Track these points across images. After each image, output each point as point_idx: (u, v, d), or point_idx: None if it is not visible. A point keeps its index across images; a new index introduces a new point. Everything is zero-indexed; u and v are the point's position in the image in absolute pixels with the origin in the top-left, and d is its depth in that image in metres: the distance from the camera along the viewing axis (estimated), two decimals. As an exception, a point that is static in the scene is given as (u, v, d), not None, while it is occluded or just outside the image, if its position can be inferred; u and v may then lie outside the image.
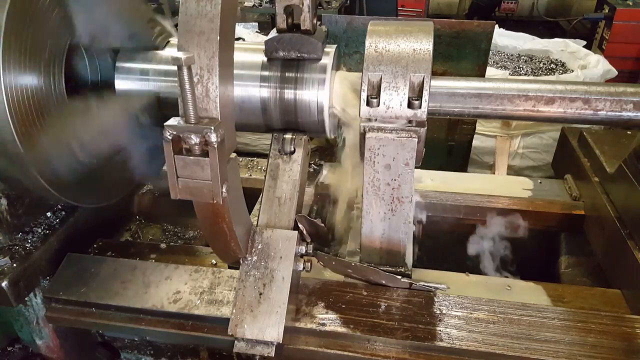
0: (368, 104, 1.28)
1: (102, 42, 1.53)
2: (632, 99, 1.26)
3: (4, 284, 1.42)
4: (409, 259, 1.51)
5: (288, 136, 1.49)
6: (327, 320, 1.40)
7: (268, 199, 1.47)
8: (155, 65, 1.57)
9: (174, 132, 1.02)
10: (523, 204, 1.96)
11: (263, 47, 1.43)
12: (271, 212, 1.45)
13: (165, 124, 1.02)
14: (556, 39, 4.36)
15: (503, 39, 4.47)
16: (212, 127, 1.00)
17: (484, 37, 2.74)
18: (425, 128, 1.29)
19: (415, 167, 1.35)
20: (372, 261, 1.52)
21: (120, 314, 1.53)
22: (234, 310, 1.32)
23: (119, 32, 1.54)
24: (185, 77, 0.97)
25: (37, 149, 1.31)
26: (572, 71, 3.91)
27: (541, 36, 4.52)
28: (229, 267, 1.58)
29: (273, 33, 1.44)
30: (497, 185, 2.09)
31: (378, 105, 1.28)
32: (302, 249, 1.41)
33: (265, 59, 1.45)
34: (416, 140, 1.28)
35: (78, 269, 1.60)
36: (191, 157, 1.04)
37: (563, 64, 4.16)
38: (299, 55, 1.42)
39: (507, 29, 4.64)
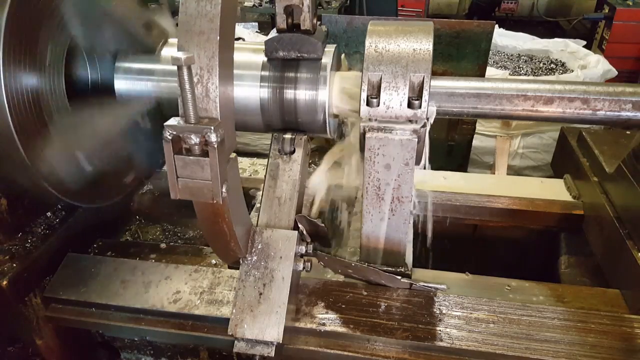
0: (368, 104, 1.28)
1: (99, 46, 1.53)
2: (631, 99, 1.26)
3: (4, 283, 1.42)
4: (409, 259, 1.51)
5: (288, 136, 1.49)
6: (327, 320, 1.40)
7: (268, 199, 1.47)
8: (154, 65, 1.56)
9: (174, 132, 1.02)
10: (523, 204, 1.97)
11: (263, 47, 1.43)
12: (271, 212, 1.45)
13: (165, 123, 1.02)
14: (556, 39, 4.36)
15: (503, 39, 4.47)
16: (212, 127, 1.00)
17: (484, 37, 2.74)
18: (425, 128, 1.30)
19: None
20: (372, 261, 1.52)
21: (120, 314, 1.53)
22: (234, 310, 1.32)
23: (115, 35, 1.54)
24: (185, 77, 0.97)
25: (38, 150, 1.31)
26: (572, 71, 3.91)
27: (541, 36, 4.52)
28: (229, 267, 1.58)
29: (273, 33, 1.44)
30: (497, 185, 2.09)
31: (378, 105, 1.27)
32: (302, 249, 1.41)
33: (265, 59, 1.45)
34: (416, 140, 1.28)
35: (78, 269, 1.60)
36: (191, 157, 1.04)
37: (563, 64, 4.16)
38: (299, 55, 1.42)
39: (507, 29, 4.64)
